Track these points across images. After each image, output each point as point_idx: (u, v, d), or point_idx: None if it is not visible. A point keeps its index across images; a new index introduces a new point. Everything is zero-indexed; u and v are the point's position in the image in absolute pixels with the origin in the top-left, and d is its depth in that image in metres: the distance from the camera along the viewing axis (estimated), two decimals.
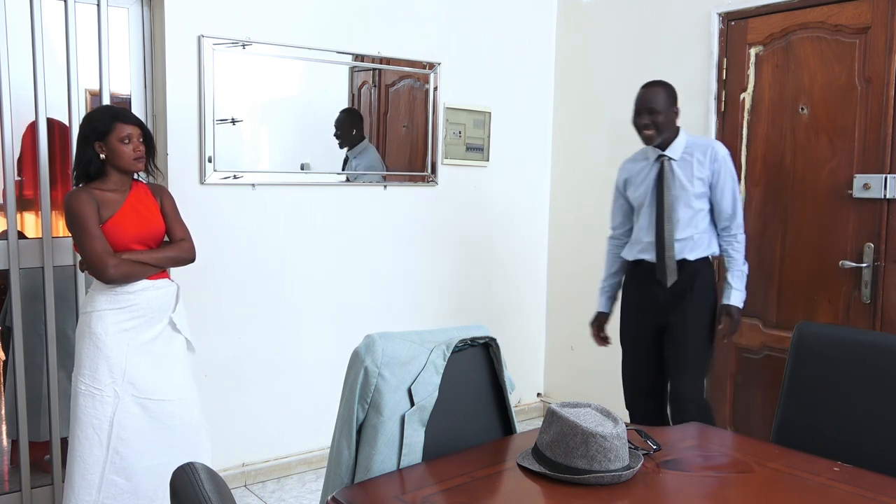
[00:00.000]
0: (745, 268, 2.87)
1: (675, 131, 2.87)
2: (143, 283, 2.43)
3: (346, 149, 3.50)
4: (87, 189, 2.41)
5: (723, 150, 2.84)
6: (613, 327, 3.11)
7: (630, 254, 2.99)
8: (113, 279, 2.34)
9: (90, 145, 2.40)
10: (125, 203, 2.44)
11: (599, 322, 3.15)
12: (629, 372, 3.04)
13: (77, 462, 2.37)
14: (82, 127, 2.43)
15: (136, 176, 2.55)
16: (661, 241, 2.85)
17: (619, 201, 3.07)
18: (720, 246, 2.89)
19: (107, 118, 2.41)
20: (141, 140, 2.45)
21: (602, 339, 3.16)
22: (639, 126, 2.85)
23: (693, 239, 2.84)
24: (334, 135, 3.47)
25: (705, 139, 2.96)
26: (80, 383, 2.38)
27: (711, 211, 2.88)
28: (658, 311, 2.89)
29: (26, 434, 2.90)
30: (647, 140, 2.86)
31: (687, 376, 2.84)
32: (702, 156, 2.82)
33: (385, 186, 3.62)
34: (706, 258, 2.88)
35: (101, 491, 2.37)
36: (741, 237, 2.86)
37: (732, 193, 2.83)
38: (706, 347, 2.89)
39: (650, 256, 2.90)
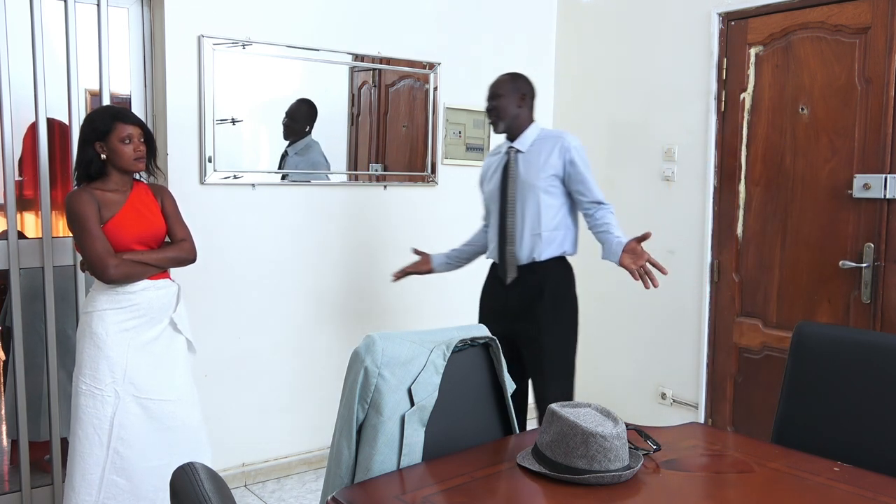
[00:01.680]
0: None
1: (525, 124, 2.80)
2: (144, 283, 2.43)
3: (286, 143, 3.33)
4: (87, 189, 2.40)
5: (574, 141, 2.72)
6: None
7: (489, 257, 2.92)
8: (113, 279, 2.34)
9: (91, 145, 2.40)
10: (126, 203, 2.44)
11: (416, 263, 3.08)
12: None
13: (77, 462, 2.37)
14: (83, 127, 2.43)
15: (137, 176, 2.55)
16: (504, 234, 2.77)
17: (481, 196, 3.00)
18: (594, 225, 2.70)
19: (107, 118, 2.41)
20: (141, 140, 2.45)
21: (400, 273, 3.10)
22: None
23: (541, 237, 2.72)
24: (283, 123, 3.31)
25: (557, 132, 2.82)
26: (80, 383, 2.38)
27: (572, 208, 2.77)
28: (510, 318, 2.77)
29: (26, 434, 2.90)
30: (492, 127, 2.86)
31: (551, 381, 2.73)
32: (550, 148, 2.72)
33: (385, 186, 3.62)
34: (559, 258, 2.77)
35: (102, 491, 2.36)
36: (612, 208, 2.70)
37: (589, 179, 2.70)
38: (567, 350, 2.78)
39: (497, 257, 2.83)
